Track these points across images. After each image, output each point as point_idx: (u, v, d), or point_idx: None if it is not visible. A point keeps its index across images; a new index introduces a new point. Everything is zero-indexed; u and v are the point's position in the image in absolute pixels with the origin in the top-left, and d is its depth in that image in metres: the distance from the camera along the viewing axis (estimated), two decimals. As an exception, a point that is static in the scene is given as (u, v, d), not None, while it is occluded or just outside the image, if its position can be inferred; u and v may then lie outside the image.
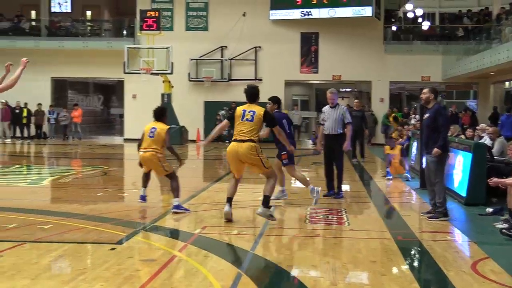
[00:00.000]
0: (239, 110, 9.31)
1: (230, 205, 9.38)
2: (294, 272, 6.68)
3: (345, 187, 12.73)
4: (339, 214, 10.36)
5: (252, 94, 9.38)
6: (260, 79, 30.35)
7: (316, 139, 27.47)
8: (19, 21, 32.55)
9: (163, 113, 10.71)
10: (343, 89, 36.03)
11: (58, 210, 10.33)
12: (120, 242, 7.86)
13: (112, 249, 7.48)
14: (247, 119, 9.17)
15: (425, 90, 10.06)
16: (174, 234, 8.68)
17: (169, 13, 31.06)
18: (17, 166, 18.48)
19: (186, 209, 10.29)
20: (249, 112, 9.20)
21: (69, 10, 34.61)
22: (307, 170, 18.35)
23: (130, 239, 8.12)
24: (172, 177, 10.41)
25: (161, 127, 10.42)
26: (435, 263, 7.10)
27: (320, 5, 29.64)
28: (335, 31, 30.18)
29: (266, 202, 9.14)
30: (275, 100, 11.17)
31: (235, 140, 9.20)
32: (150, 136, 10.37)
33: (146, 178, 10.86)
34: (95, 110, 37.48)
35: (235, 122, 9.29)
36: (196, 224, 9.32)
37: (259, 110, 9.20)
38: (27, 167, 18.70)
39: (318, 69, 30.81)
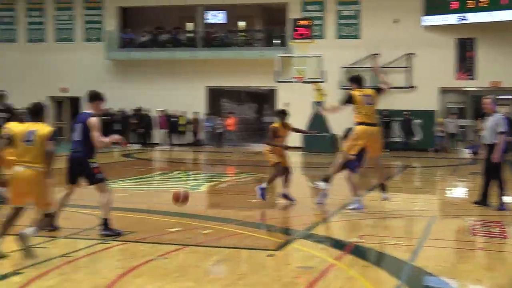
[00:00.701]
0: (358, 96, 10.48)
1: None
2: (457, 286, 6.42)
3: (508, 199, 12.09)
4: (502, 227, 9.86)
5: (361, 80, 10.73)
6: (414, 87, 29.67)
7: (473, 147, 26.49)
8: (177, 33, 33.99)
9: (277, 113, 12.44)
10: (503, 96, 34.37)
11: (216, 215, 10.62)
12: (277, 249, 7.93)
13: (270, 255, 7.57)
14: (368, 103, 10.44)
15: None
16: (330, 242, 8.64)
17: (320, 22, 31.16)
18: (176, 172, 19.25)
19: (292, 199, 11.59)
20: (367, 96, 10.43)
21: (223, 21, 35.66)
22: (464, 180, 17.69)
23: (286, 246, 8.18)
24: (274, 168, 11.71)
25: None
26: None
27: (477, 9, 28.51)
28: (494, 35, 28.89)
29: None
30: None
31: (368, 124, 10.47)
32: None
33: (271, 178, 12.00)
34: (248, 118, 38.29)
35: (357, 107, 10.47)
36: (352, 232, 9.24)
37: (373, 93, 10.60)
38: (185, 173, 19.42)
39: (474, 76, 29.66)
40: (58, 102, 34.13)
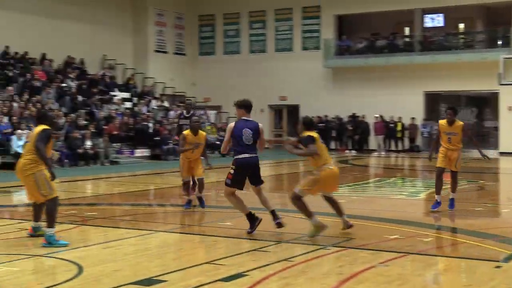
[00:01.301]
0: None
1: None
2: None
3: None
4: None
5: None
6: None
7: None
8: (394, 38, 33.62)
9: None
10: None
11: (435, 223, 10.33)
12: (505, 260, 7.50)
13: (497, 267, 7.17)
14: None
15: None
16: None
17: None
18: (393, 178, 19.00)
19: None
20: None
21: (441, 24, 34.66)
22: None
23: (515, 258, 7.71)
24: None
25: None
26: None
27: None
28: None
29: None
30: None
31: None
32: None
33: None
34: (468, 123, 36.76)
35: None
36: None
37: None
38: (403, 179, 19.09)
39: None
40: (276, 110, 35.43)
